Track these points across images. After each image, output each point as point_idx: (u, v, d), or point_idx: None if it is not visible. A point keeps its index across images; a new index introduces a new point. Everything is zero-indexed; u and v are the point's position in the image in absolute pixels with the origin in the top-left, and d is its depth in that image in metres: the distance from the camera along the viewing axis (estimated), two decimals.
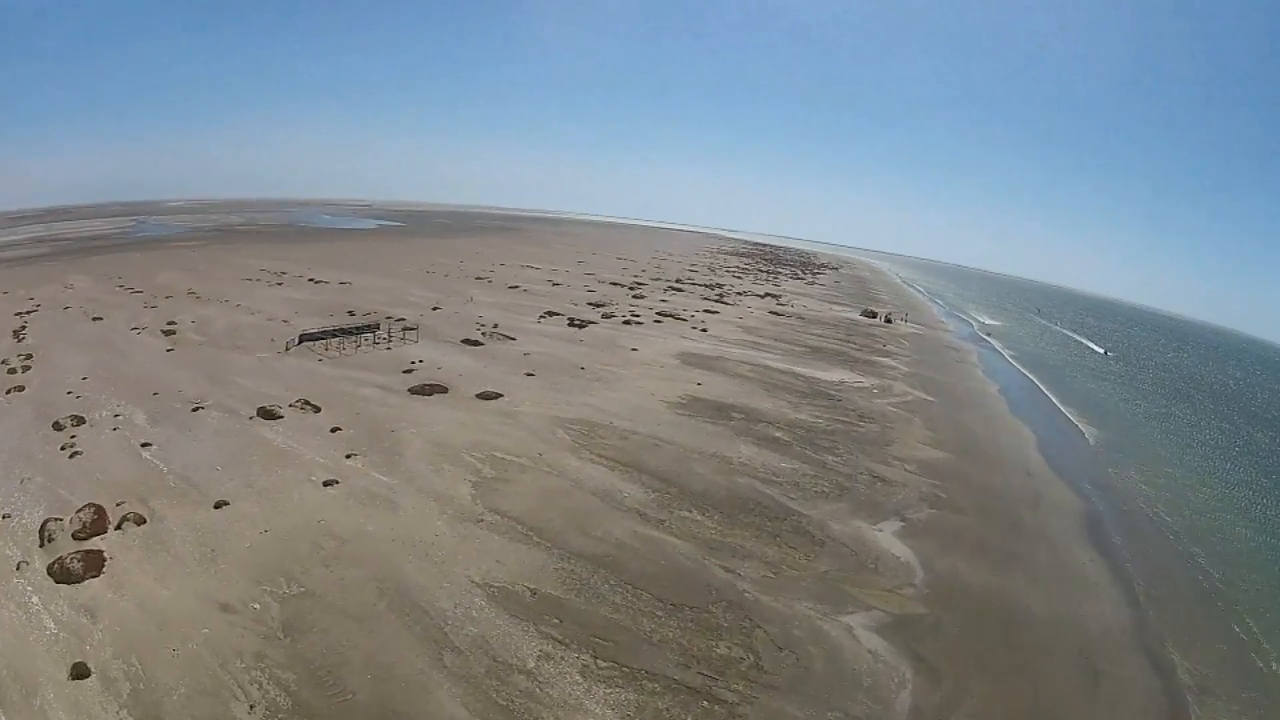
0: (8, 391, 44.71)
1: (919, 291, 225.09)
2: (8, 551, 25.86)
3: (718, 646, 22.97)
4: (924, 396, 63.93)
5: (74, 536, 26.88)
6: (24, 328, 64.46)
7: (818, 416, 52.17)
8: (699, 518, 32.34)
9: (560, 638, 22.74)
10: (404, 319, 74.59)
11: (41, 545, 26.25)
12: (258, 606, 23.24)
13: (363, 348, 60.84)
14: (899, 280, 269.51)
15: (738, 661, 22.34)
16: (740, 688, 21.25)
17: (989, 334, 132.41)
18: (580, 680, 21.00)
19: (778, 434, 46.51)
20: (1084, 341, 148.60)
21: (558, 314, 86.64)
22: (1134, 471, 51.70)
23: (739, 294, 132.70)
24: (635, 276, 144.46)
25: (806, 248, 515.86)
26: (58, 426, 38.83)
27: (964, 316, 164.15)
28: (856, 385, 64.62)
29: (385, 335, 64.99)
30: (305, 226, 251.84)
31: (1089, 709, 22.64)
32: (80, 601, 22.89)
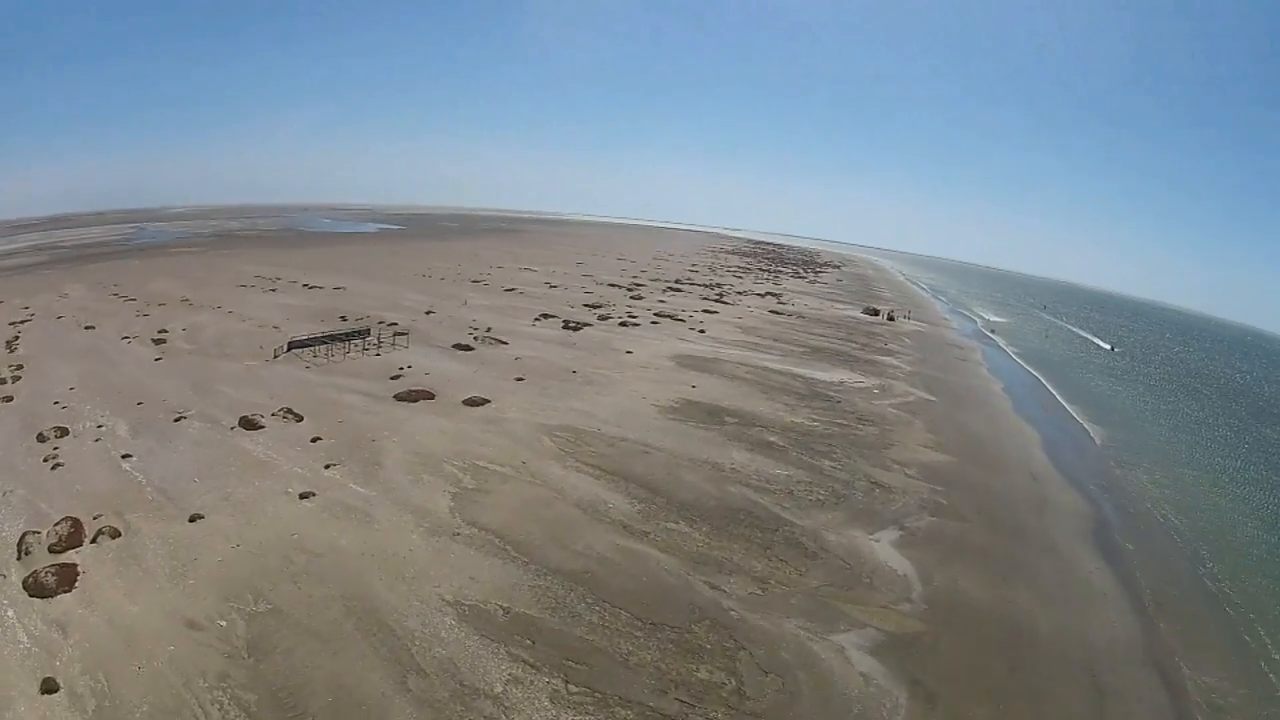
0: None
1: (922, 289, 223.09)
2: None
3: (698, 670, 21.68)
4: (926, 396, 62.52)
5: (50, 550, 26.63)
6: (17, 338, 63.98)
7: (815, 419, 50.86)
8: (686, 529, 31.05)
9: (531, 660, 21.57)
10: (396, 324, 73.63)
11: (19, 558, 26.03)
12: (224, 624, 22.67)
13: (352, 354, 59.89)
14: (902, 277, 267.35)
15: (719, 687, 21.04)
16: (719, 716, 19.97)
17: (993, 331, 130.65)
18: (549, 706, 19.82)
19: (773, 438, 45.23)
20: (1090, 337, 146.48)
21: (553, 317, 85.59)
22: (1142, 472, 50.16)
23: (739, 294, 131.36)
24: (634, 278, 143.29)
25: (810, 246, 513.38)
26: (42, 438, 38.61)
27: (968, 313, 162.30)
28: (856, 386, 63.26)
29: (375, 340, 64.03)
30: (304, 231, 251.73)
31: None
32: (53, 616, 22.68)
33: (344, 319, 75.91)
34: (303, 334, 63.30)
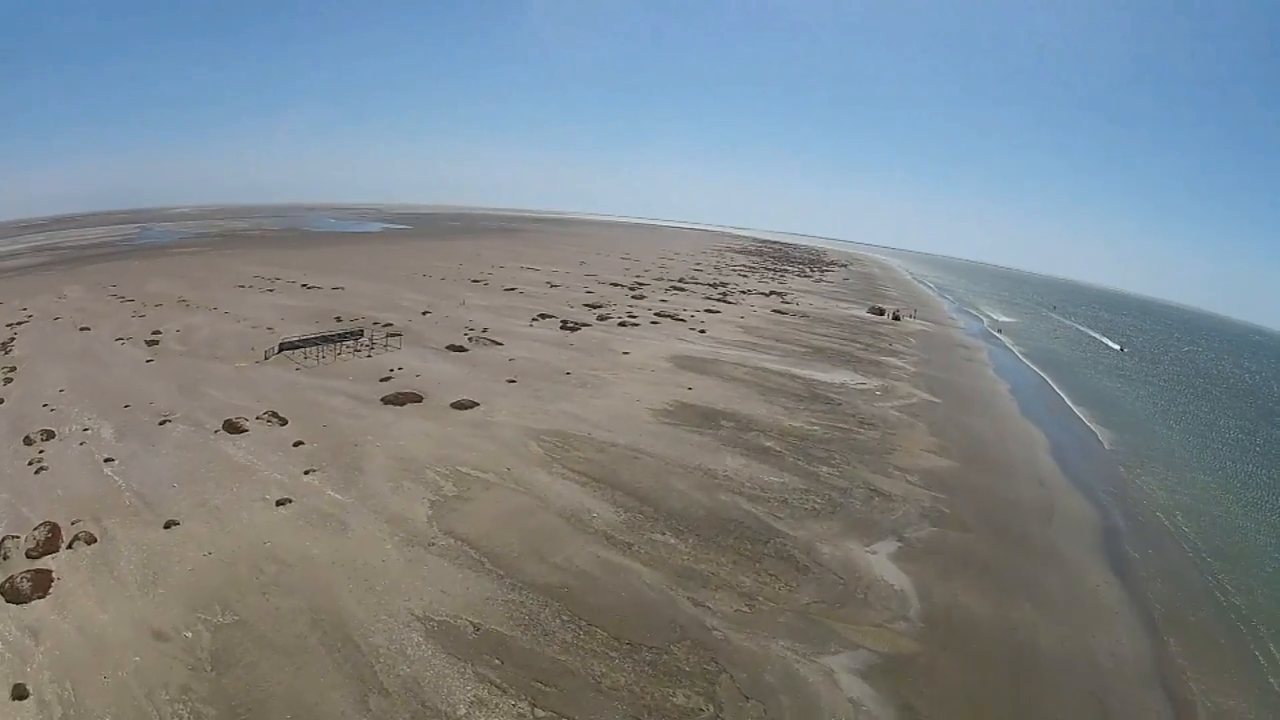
0: None
1: (929, 288, 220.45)
2: None
3: (675, 695, 20.40)
4: (930, 398, 60.96)
5: (27, 555, 26.45)
6: (12, 339, 63.77)
7: (814, 423, 49.46)
8: (672, 541, 29.75)
9: (498, 682, 20.41)
10: (391, 324, 72.76)
11: None
12: (190, 635, 22.26)
13: (343, 355, 59.00)
14: (910, 277, 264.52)
15: (695, 714, 19.74)
16: None
17: (1000, 330, 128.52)
18: None
19: (769, 443, 43.89)
20: (1099, 337, 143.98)
21: (551, 316, 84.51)
22: (1151, 477, 48.49)
23: (743, 293, 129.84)
24: (637, 277, 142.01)
25: (818, 245, 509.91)
26: (28, 441, 38.49)
27: (975, 312, 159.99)
28: (859, 387, 61.77)
29: (368, 342, 63.15)
30: (309, 231, 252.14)
31: None
32: (26, 622, 22.47)
33: (339, 319, 75.14)
34: (295, 335, 62.52)
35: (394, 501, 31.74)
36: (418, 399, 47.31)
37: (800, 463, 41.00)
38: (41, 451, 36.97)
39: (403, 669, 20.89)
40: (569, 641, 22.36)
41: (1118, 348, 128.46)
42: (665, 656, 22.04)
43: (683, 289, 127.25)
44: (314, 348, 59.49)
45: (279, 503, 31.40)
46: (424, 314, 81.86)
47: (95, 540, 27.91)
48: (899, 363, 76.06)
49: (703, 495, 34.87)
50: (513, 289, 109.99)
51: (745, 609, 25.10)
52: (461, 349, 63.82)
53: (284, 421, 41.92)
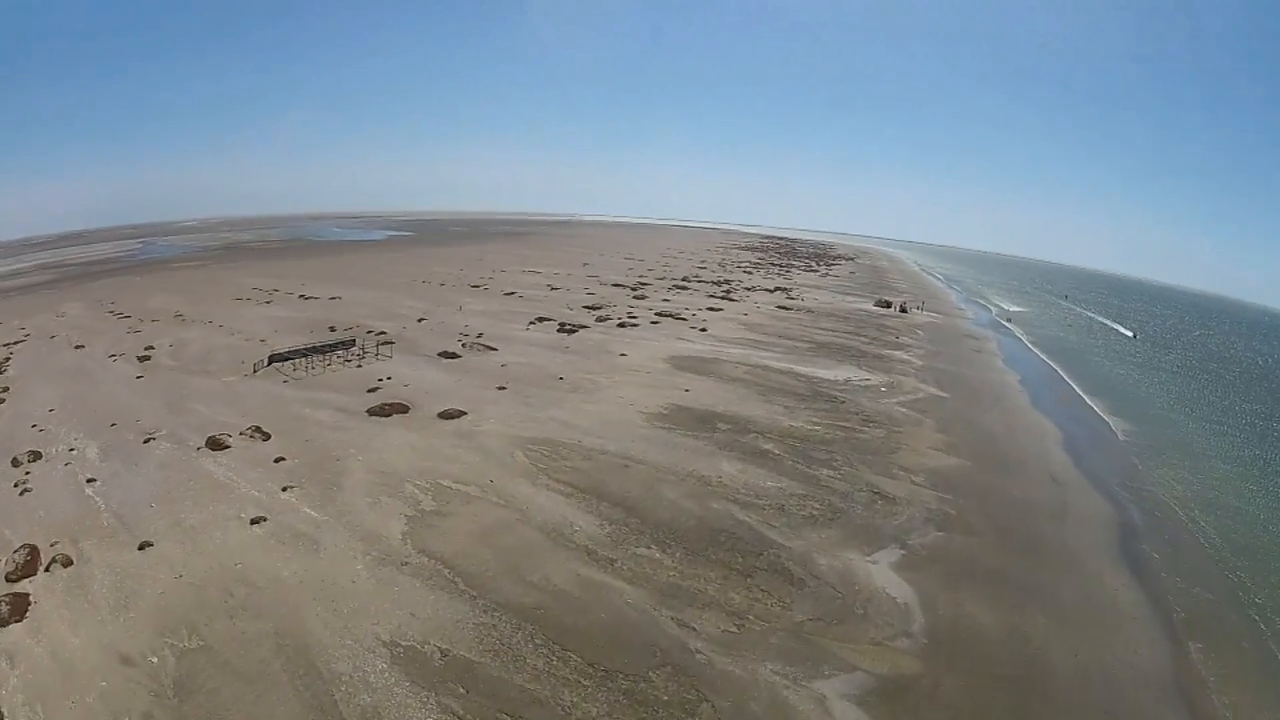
0: None
1: (937, 279, 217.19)
2: None
3: None
4: (937, 393, 59.05)
5: (7, 578, 26.39)
6: (8, 359, 63.45)
7: (815, 423, 47.79)
8: (657, 555, 28.22)
9: (461, 713, 19.14)
10: (384, 332, 71.80)
11: None
12: (155, 660, 21.72)
13: (333, 366, 58.01)
14: (917, 268, 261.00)
15: None
16: None
17: (1009, 320, 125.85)
18: None
19: (767, 446, 42.29)
20: (1111, 324, 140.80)
21: (549, 319, 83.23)
22: (1167, 468, 46.41)
23: (747, 289, 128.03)
24: (640, 277, 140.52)
25: (825, 239, 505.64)
26: (15, 463, 38.22)
27: (984, 302, 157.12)
28: (863, 383, 59.97)
29: (360, 351, 62.16)
30: (312, 241, 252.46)
31: None
32: (3, 646, 22.51)
33: (333, 329, 74.23)
34: (286, 347, 61.66)
35: (369, 518, 30.53)
36: (404, 409, 46.15)
37: (799, 465, 39.38)
38: (27, 473, 36.64)
39: (364, 698, 19.75)
40: (540, 668, 20.98)
41: (1130, 334, 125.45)
42: (642, 684, 20.58)
43: (685, 288, 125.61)
44: (304, 359, 58.58)
45: (253, 521, 30.50)
46: (419, 321, 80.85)
47: (72, 563, 27.56)
48: (905, 356, 74.09)
49: (694, 504, 33.31)
50: (512, 293, 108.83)
51: (733, 629, 23.55)
52: (454, 355, 62.65)
53: (267, 437, 40.95)
